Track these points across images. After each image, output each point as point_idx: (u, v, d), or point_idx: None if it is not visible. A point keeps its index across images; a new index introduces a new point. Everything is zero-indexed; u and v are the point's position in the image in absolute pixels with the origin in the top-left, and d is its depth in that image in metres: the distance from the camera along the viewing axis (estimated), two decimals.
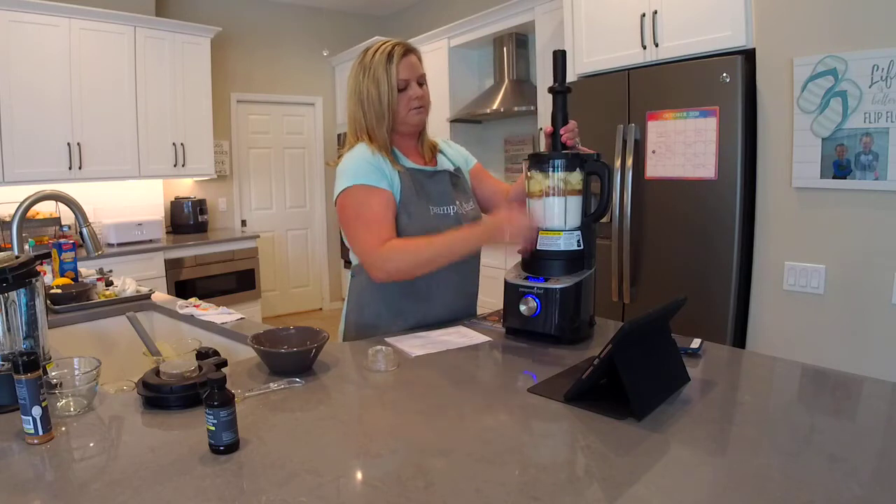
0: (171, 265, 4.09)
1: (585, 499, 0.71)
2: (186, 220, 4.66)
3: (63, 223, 3.91)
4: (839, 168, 2.08)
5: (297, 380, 1.08)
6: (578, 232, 1.31)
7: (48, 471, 0.78)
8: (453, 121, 4.40)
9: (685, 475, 0.76)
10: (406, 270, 1.32)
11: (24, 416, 0.84)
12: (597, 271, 1.36)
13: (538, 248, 1.33)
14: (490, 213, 1.63)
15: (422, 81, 1.42)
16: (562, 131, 1.34)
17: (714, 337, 1.40)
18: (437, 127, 4.28)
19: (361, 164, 1.35)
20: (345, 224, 1.38)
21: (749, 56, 2.32)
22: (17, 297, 0.98)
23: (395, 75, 1.35)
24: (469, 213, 1.51)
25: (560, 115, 1.33)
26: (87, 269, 2.19)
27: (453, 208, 1.46)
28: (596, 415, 0.92)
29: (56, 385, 0.94)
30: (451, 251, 1.30)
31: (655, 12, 2.61)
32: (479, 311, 1.61)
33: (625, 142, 2.64)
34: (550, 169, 1.32)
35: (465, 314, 1.55)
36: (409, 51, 1.39)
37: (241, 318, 1.61)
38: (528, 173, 1.36)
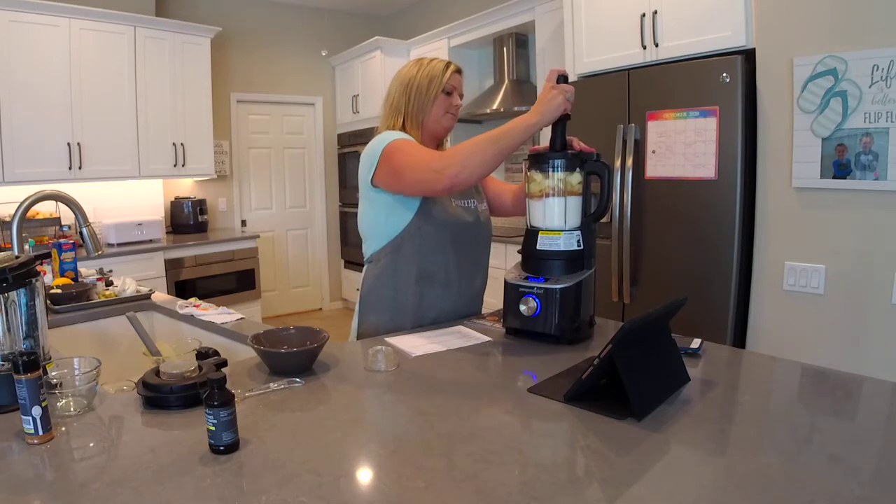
0: (171, 265, 4.09)
1: (585, 499, 0.71)
2: (186, 220, 4.66)
3: (63, 223, 3.91)
4: (839, 168, 2.08)
5: (297, 380, 1.08)
6: (578, 232, 1.31)
7: (48, 471, 0.78)
8: None
9: (685, 475, 0.76)
10: (471, 160, 1.27)
11: (24, 416, 0.84)
12: (597, 271, 1.36)
13: (538, 248, 1.33)
14: (497, 213, 1.69)
15: (461, 98, 1.56)
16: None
17: (714, 337, 1.40)
18: None
19: (404, 135, 1.44)
20: (397, 159, 1.37)
21: (749, 56, 2.32)
22: (17, 297, 0.98)
23: (447, 80, 1.50)
24: (484, 210, 1.60)
25: (559, 142, 1.32)
26: (87, 269, 2.19)
27: (473, 202, 1.56)
28: (596, 415, 0.92)
29: (56, 385, 0.94)
30: (513, 130, 1.26)
31: (655, 12, 2.61)
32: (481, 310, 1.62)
33: (625, 142, 2.64)
34: (550, 169, 1.32)
35: (474, 309, 1.59)
36: (461, 71, 1.56)
37: (241, 318, 1.61)
38: (528, 174, 1.36)
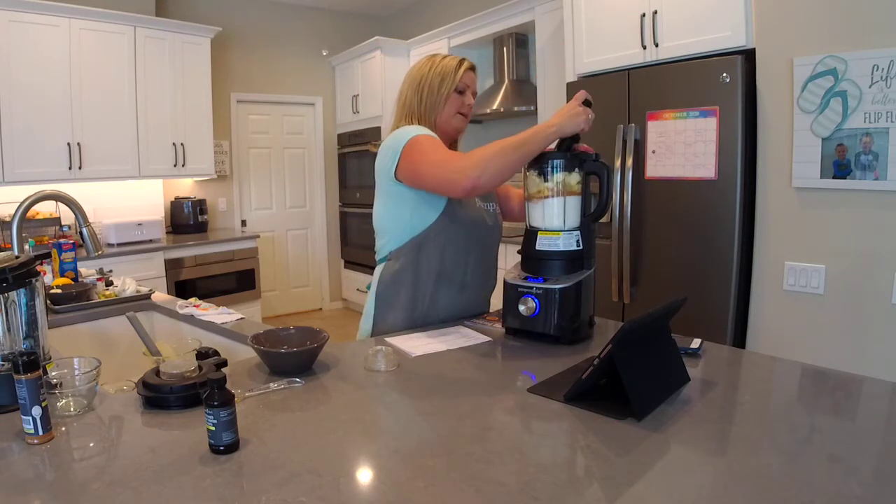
0: (171, 265, 4.09)
1: (585, 499, 0.71)
2: (186, 220, 4.66)
3: (63, 223, 3.91)
4: (839, 168, 2.08)
5: (297, 380, 1.08)
6: (578, 232, 1.31)
7: (48, 471, 0.78)
8: None
9: (685, 475, 0.76)
10: (492, 164, 1.25)
11: (24, 416, 0.84)
12: (596, 271, 1.36)
13: (537, 248, 1.33)
14: (505, 216, 1.67)
15: (474, 96, 1.54)
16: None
17: (714, 337, 1.40)
18: None
19: (427, 131, 1.41)
20: (419, 154, 1.34)
21: (749, 56, 2.32)
22: (17, 297, 0.98)
23: (460, 78, 1.48)
24: (499, 213, 1.61)
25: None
26: (87, 269, 2.19)
27: (493, 206, 1.57)
28: (596, 415, 0.92)
29: (56, 385, 0.94)
30: (534, 137, 1.27)
31: (655, 12, 2.61)
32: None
33: (625, 142, 2.64)
34: (549, 169, 1.32)
35: (481, 309, 1.59)
36: (474, 68, 1.53)
37: (241, 318, 1.61)
38: (527, 174, 1.36)
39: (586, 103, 1.33)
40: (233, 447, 0.81)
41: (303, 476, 0.75)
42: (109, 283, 1.96)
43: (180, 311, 1.71)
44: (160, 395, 0.96)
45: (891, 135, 1.95)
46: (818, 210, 2.17)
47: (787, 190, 2.25)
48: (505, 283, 1.35)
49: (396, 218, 1.45)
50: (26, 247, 2.76)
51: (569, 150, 1.33)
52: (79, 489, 0.72)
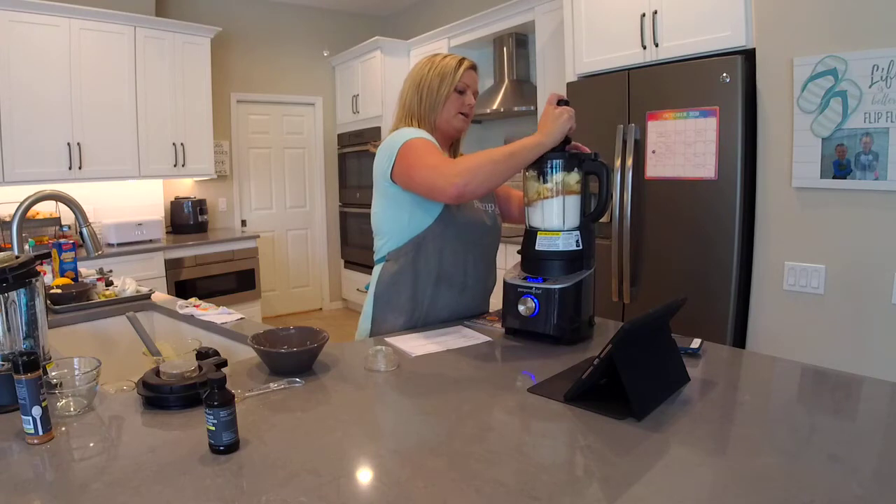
0: (171, 265, 4.09)
1: (585, 499, 0.71)
2: (186, 220, 4.66)
3: (63, 223, 3.91)
4: (839, 168, 2.08)
5: (297, 380, 1.08)
6: (577, 232, 1.31)
7: (48, 471, 0.78)
8: None
9: (685, 475, 0.76)
10: (480, 173, 1.25)
11: (24, 416, 0.84)
12: (596, 271, 1.36)
13: (536, 248, 1.33)
14: (504, 218, 1.67)
15: (475, 96, 1.52)
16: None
17: (714, 337, 1.40)
18: None
19: (424, 134, 1.40)
20: (412, 158, 1.34)
21: (749, 56, 2.32)
22: (17, 297, 0.98)
23: (460, 78, 1.46)
24: (498, 214, 1.61)
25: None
26: (87, 269, 2.19)
27: (492, 207, 1.57)
28: (596, 415, 0.92)
29: (56, 385, 0.94)
30: (524, 148, 1.27)
31: (655, 12, 2.61)
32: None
33: (625, 142, 2.64)
34: (548, 169, 1.32)
35: (483, 308, 1.59)
36: (475, 67, 1.51)
37: (241, 318, 1.61)
38: (526, 174, 1.36)
39: (563, 103, 1.32)
40: (233, 447, 0.81)
41: (303, 476, 0.75)
42: (109, 283, 1.96)
43: (180, 311, 1.71)
44: (160, 395, 0.96)
45: (891, 135, 1.95)
46: (818, 210, 2.17)
47: (787, 190, 2.25)
48: (505, 283, 1.35)
49: (394, 219, 1.45)
50: (26, 247, 2.76)
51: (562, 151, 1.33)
52: (79, 489, 0.72)
